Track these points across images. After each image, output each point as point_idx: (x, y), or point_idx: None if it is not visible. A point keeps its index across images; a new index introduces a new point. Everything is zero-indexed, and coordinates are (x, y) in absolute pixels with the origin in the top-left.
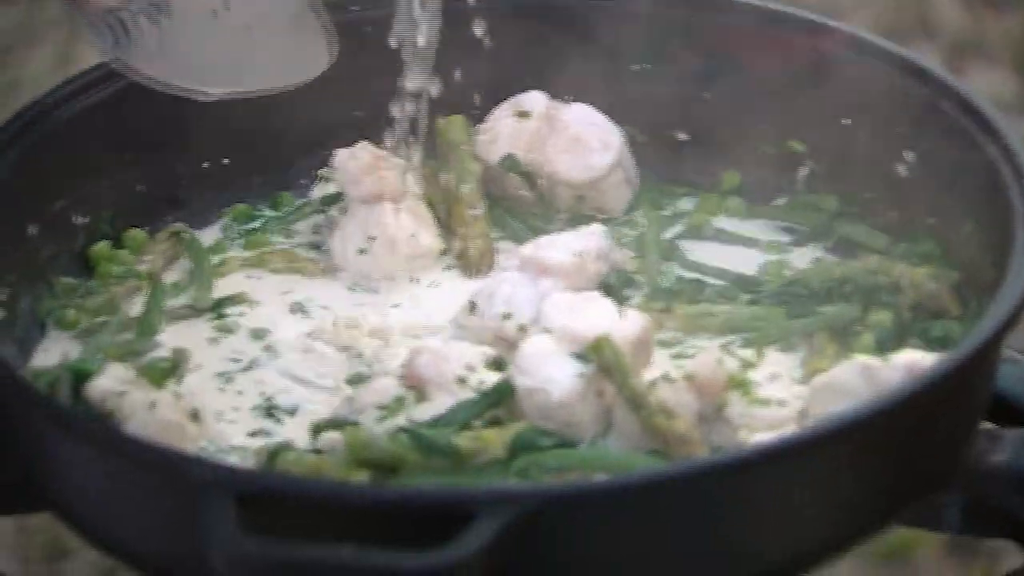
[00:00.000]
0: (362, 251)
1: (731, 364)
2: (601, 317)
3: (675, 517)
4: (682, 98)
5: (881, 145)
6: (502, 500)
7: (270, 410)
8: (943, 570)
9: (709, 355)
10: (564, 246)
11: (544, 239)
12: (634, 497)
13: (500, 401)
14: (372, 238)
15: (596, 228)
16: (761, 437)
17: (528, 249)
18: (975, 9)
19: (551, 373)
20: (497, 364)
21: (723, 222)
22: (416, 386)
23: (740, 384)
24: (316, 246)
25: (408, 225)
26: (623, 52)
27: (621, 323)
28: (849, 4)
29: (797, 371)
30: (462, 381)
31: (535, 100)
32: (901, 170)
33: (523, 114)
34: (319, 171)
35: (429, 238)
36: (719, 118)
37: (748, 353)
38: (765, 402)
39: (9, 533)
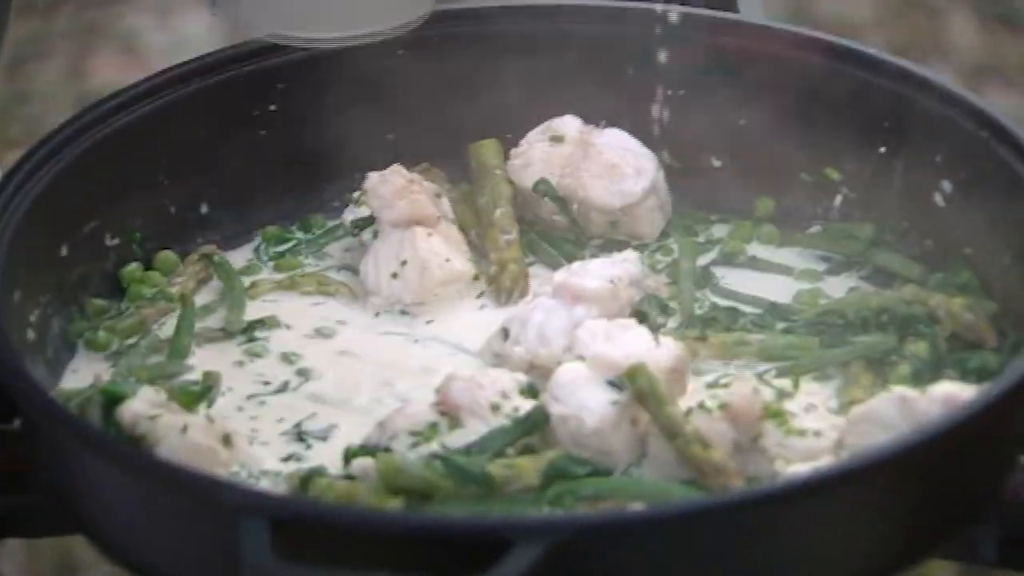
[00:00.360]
0: (394, 275)
1: (767, 394)
2: (636, 345)
3: (711, 548)
4: (717, 124)
5: (918, 174)
6: (539, 529)
7: (301, 435)
8: None
9: (745, 384)
10: (597, 272)
11: (577, 265)
12: (671, 528)
13: (534, 429)
14: (404, 262)
15: (629, 254)
16: (797, 468)
17: (561, 275)
18: (991, 30)
19: (585, 401)
20: (531, 391)
21: (757, 249)
22: (449, 412)
23: (776, 414)
24: (348, 269)
25: (441, 249)
26: (658, 77)
27: (656, 351)
28: (865, 24)
29: (833, 401)
30: (496, 408)
31: (569, 124)
32: (938, 199)
33: (557, 138)
34: (351, 194)
35: (462, 263)
36: (754, 144)
37: (784, 383)
38: (801, 432)
39: (18, 550)
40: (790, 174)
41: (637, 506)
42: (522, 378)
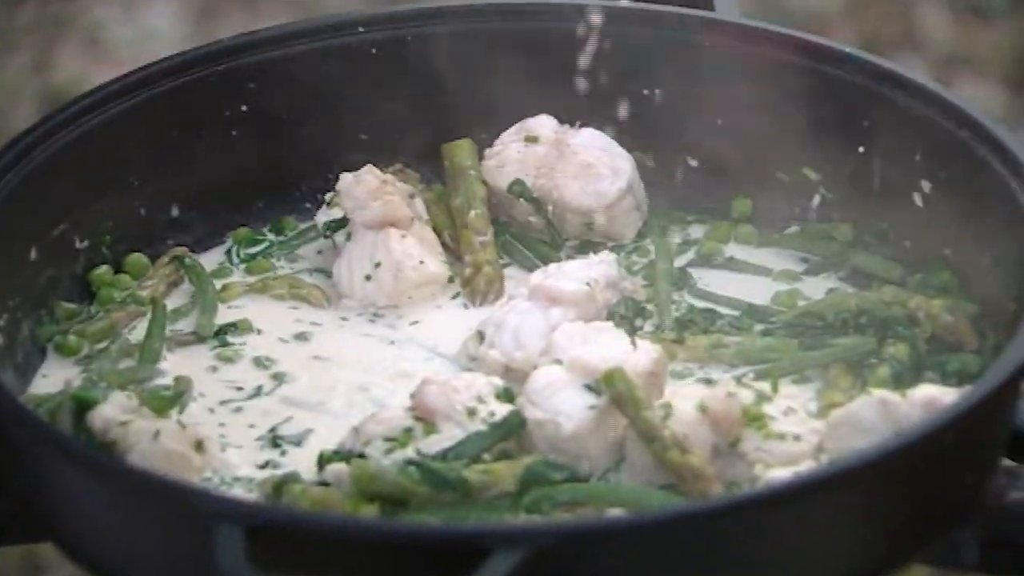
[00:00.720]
0: (368, 277)
1: (746, 397)
2: (613, 348)
3: (690, 554)
4: (693, 124)
5: (896, 174)
6: (517, 536)
7: (275, 440)
8: None
9: (723, 388)
10: (573, 275)
11: (553, 267)
12: (650, 534)
13: (511, 433)
14: (378, 264)
15: (606, 256)
16: (777, 473)
17: (537, 277)
18: (963, 21)
19: (562, 405)
20: (507, 395)
21: (734, 250)
22: (425, 417)
23: (755, 418)
24: (321, 271)
25: (414, 251)
26: (633, 77)
27: (633, 354)
28: (835, 17)
29: (812, 404)
30: (472, 412)
31: (544, 124)
32: (917, 199)
33: (532, 138)
34: (324, 195)
35: (436, 265)
36: (731, 144)
37: (763, 385)
38: (781, 436)
39: None
40: (768, 174)
41: (616, 512)
42: (498, 382)
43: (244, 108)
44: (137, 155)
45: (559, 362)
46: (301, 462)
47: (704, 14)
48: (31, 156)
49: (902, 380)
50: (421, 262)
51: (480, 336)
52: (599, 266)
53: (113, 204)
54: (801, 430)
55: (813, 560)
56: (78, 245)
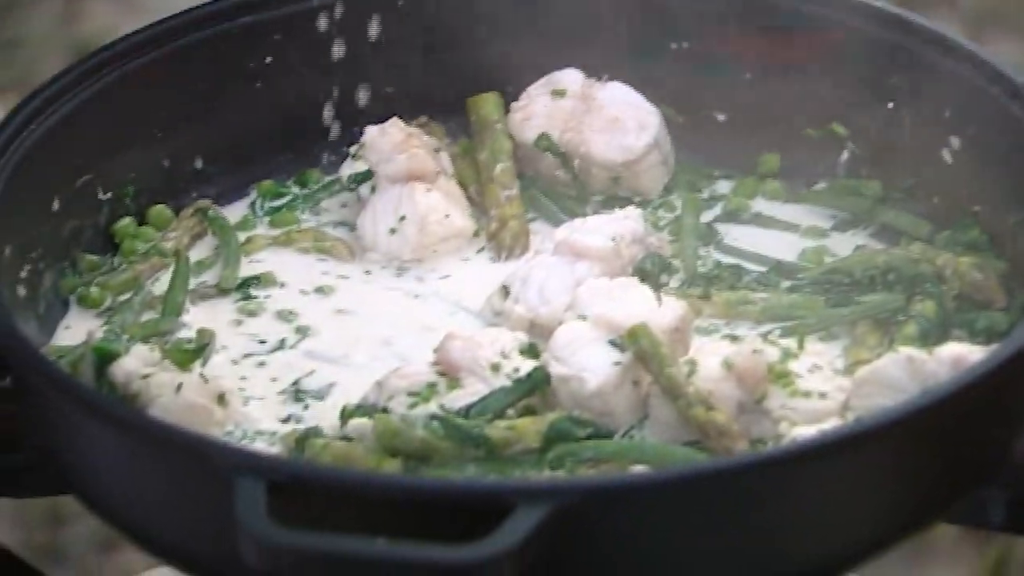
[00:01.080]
0: (392, 231)
1: (771, 354)
2: (638, 304)
3: (716, 512)
4: (722, 78)
5: (925, 129)
6: (541, 493)
7: (298, 394)
8: (959, 553)
9: (749, 344)
10: (599, 230)
11: (579, 222)
12: (675, 491)
13: (535, 389)
14: (402, 218)
15: (632, 211)
16: (802, 430)
17: (563, 232)
18: None
19: (586, 361)
20: (532, 351)
21: (761, 205)
22: (448, 373)
23: (781, 375)
24: (345, 225)
25: (440, 205)
26: (661, 30)
27: (658, 310)
28: None
29: (839, 361)
30: (496, 368)
31: (571, 78)
32: (946, 155)
33: (558, 92)
34: (349, 148)
35: (461, 218)
36: (759, 99)
37: (789, 343)
38: (806, 394)
39: (8, 502)
40: (796, 129)
41: (640, 469)
42: (523, 337)
43: (269, 60)
44: (161, 107)
45: (584, 318)
46: (324, 416)
47: None
48: (55, 107)
49: (929, 337)
50: (446, 216)
51: (505, 291)
52: (625, 221)
53: (137, 156)
54: (827, 387)
55: (837, 518)
56: (101, 196)
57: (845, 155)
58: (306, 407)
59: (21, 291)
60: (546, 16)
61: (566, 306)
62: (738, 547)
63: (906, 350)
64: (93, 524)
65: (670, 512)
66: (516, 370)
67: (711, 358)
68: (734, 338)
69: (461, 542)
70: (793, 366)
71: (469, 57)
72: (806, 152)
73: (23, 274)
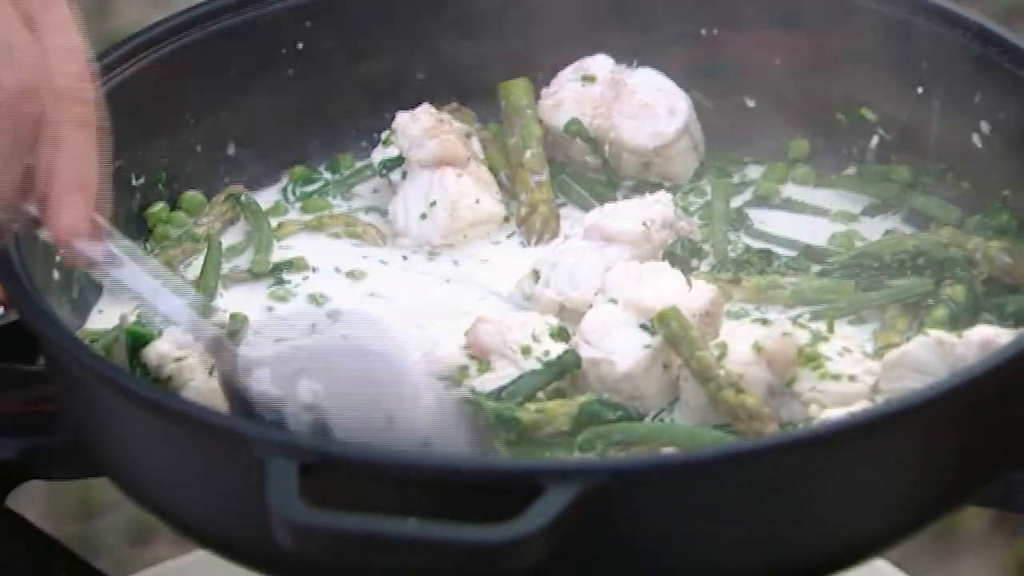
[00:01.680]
0: (423, 216)
1: (802, 337)
2: (668, 287)
3: (746, 494)
4: (751, 63)
5: (955, 115)
6: (571, 474)
7: None
8: (989, 544)
9: (779, 327)
10: (629, 214)
11: (609, 207)
12: (705, 473)
13: (565, 372)
14: (433, 203)
15: (662, 196)
16: (832, 413)
17: (593, 217)
18: None
19: (617, 344)
20: (562, 334)
21: (791, 191)
22: (479, 356)
23: (811, 358)
24: (376, 210)
25: (470, 190)
26: (691, 15)
27: (689, 294)
28: None
29: (869, 345)
30: (526, 351)
31: (601, 64)
32: (976, 140)
33: (589, 78)
34: (380, 134)
35: (492, 203)
36: (789, 84)
37: (819, 326)
38: (836, 377)
39: (40, 494)
40: (826, 115)
41: (670, 451)
42: (553, 321)
43: (300, 46)
44: (193, 93)
45: (614, 301)
46: None
47: None
48: None
49: (959, 321)
50: (477, 201)
51: (535, 275)
52: (655, 206)
53: (169, 142)
54: (856, 370)
55: (867, 501)
56: (134, 182)
57: (875, 140)
58: None
59: (55, 275)
60: (576, 2)
61: (596, 290)
62: (767, 529)
63: (936, 333)
64: (124, 516)
65: (699, 493)
66: (546, 353)
67: (741, 341)
68: (764, 322)
69: (491, 522)
70: (823, 349)
71: (500, 43)
72: (835, 138)
73: (58, 258)
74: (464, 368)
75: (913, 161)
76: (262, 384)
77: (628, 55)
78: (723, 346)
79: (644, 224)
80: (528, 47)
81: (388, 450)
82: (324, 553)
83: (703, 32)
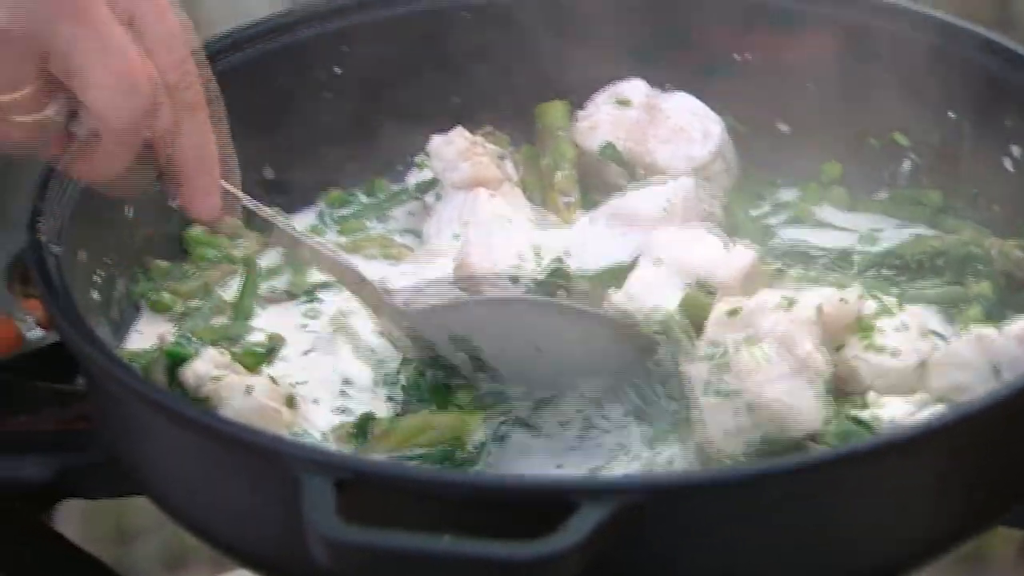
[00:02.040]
0: (457, 237)
1: (868, 307)
2: (709, 249)
3: (781, 511)
4: (784, 88)
5: (987, 139)
6: (605, 491)
7: (343, 390)
8: (1018, 570)
9: (845, 292)
10: (651, 197)
11: (631, 191)
12: (739, 490)
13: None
14: (466, 224)
15: (684, 179)
16: (889, 403)
17: (614, 202)
18: None
19: (661, 304)
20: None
21: (825, 212)
22: (471, 288)
23: (865, 328)
24: (411, 232)
25: (503, 212)
26: (724, 40)
27: (729, 256)
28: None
29: (933, 324)
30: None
31: (636, 88)
32: (1008, 165)
33: (623, 102)
34: (414, 157)
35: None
36: (821, 109)
37: (890, 300)
38: (880, 349)
39: (75, 518)
40: (858, 139)
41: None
42: (536, 239)
43: (337, 71)
44: (230, 117)
45: (659, 262)
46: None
47: None
48: None
49: (992, 316)
50: (509, 222)
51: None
52: (677, 187)
53: None
54: (904, 347)
55: (904, 518)
56: (173, 204)
57: (907, 165)
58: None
59: (95, 296)
60: (611, 27)
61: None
62: (805, 546)
63: (976, 328)
64: (159, 541)
65: (734, 509)
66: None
67: (808, 299)
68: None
69: (526, 539)
70: (882, 322)
71: (534, 67)
72: (867, 162)
73: (97, 279)
74: None
75: (945, 185)
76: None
77: (662, 79)
78: (789, 300)
79: (665, 209)
80: (562, 71)
81: (422, 467)
82: (360, 570)
83: (736, 57)
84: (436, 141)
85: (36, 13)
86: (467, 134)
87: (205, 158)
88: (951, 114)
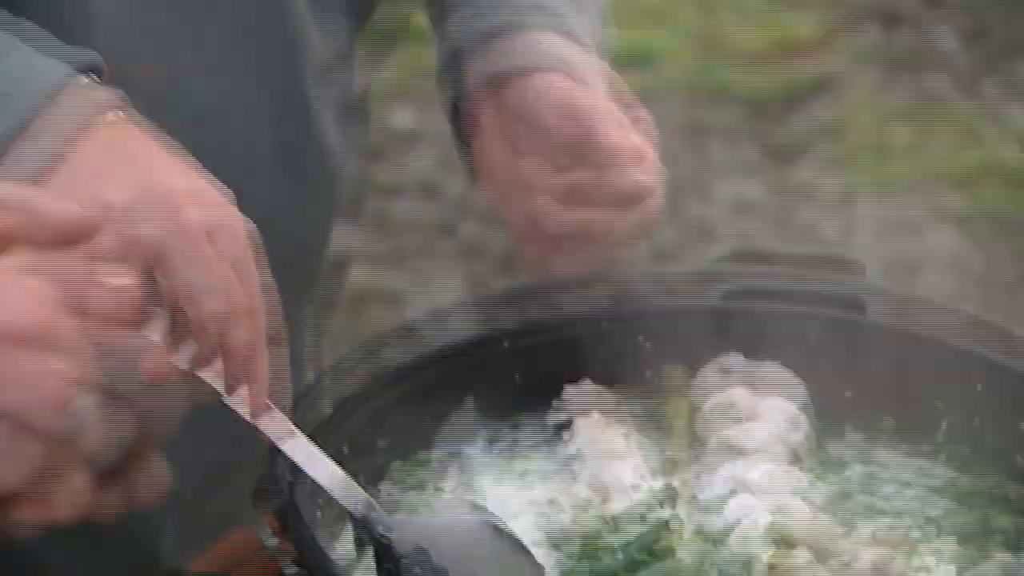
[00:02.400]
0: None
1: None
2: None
3: None
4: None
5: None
6: None
7: None
8: None
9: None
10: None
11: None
12: None
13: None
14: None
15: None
16: None
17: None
18: None
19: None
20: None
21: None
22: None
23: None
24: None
25: (626, 475)
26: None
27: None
28: None
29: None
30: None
31: (735, 361)
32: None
33: (725, 371)
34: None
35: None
36: (885, 379)
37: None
38: None
39: None
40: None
41: None
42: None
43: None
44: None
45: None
46: None
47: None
48: None
49: (1012, 545)
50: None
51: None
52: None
53: None
54: None
55: None
56: None
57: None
58: None
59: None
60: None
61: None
62: None
63: (1000, 557)
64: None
65: None
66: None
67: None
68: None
69: None
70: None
71: (654, 336)
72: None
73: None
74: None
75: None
76: (403, 546)
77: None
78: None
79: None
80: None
81: None
82: None
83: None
84: (580, 423)
85: None
86: (603, 418)
87: (257, 369)
88: (975, 420)
